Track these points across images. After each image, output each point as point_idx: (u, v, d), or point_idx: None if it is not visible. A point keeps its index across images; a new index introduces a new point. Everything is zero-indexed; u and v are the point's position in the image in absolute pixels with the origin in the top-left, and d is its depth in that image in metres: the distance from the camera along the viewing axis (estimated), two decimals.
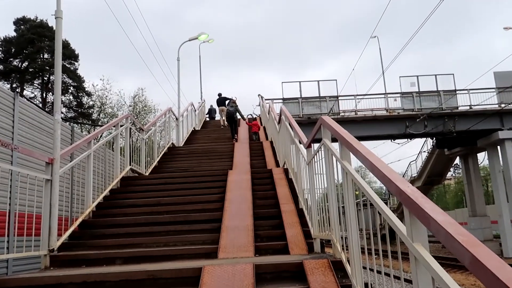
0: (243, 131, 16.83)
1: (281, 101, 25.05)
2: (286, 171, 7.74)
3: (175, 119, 14.16)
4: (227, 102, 20.75)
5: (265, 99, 20.60)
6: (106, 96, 33.10)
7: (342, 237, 3.62)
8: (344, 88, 44.06)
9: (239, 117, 15.89)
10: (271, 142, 12.21)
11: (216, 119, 23.18)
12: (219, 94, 20.70)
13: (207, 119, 23.20)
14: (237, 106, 15.48)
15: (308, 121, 23.72)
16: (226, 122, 18.23)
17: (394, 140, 26.28)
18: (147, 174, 9.31)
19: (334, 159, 3.62)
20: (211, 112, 23.73)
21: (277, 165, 9.47)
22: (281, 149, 9.04)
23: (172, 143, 13.13)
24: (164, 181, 7.94)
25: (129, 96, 34.04)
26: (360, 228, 3.19)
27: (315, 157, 4.49)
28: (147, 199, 6.92)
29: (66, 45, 31.70)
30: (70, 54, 32.55)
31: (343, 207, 3.41)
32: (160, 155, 11.11)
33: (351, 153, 3.18)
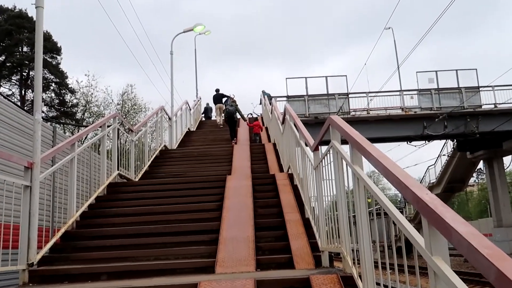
0: (243, 132, 16.87)
1: (285, 99, 25.12)
2: (290, 177, 7.74)
3: (167, 119, 14.19)
4: (224, 99, 20.87)
5: (270, 96, 20.62)
6: (92, 93, 33.19)
7: (353, 250, 3.61)
8: (354, 85, 44.08)
9: (238, 117, 15.96)
10: (274, 145, 12.25)
11: (213, 118, 23.24)
12: (217, 90, 20.81)
13: (203, 119, 23.28)
14: (237, 105, 15.62)
15: (315, 121, 23.83)
16: (224, 121, 18.26)
17: (410, 142, 26.30)
18: (137, 179, 9.33)
19: (344, 163, 3.63)
20: (207, 111, 23.82)
21: (281, 170, 9.48)
22: (285, 152, 9.06)
23: (165, 146, 13.16)
24: (156, 188, 7.94)
25: (117, 94, 34.02)
26: (373, 239, 3.18)
27: (323, 161, 4.50)
28: (136, 207, 6.92)
29: (47, 37, 31.83)
30: (52, 47, 32.68)
31: (354, 216, 3.40)
32: (152, 159, 11.13)
33: (363, 157, 3.18)
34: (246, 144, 13.52)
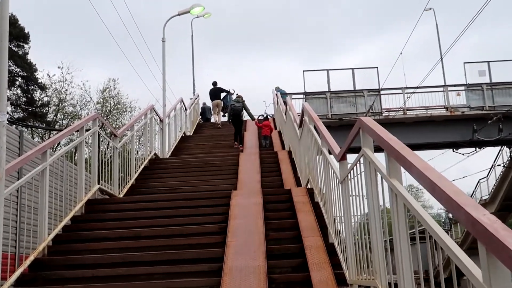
0: (251, 135, 16.93)
1: (302, 96, 25.10)
2: (310, 192, 7.73)
3: (158, 121, 14.24)
4: (223, 95, 20.92)
5: (284, 94, 20.50)
6: (66, 90, 33.35)
7: (390, 284, 3.58)
8: (387, 79, 43.81)
9: (246, 116, 16.01)
10: (289, 153, 12.26)
11: (212, 120, 23.30)
12: (214, 84, 20.90)
13: (201, 121, 23.49)
14: (244, 101, 15.68)
15: (340, 123, 23.79)
16: (225, 120, 18.51)
17: (457, 149, 26.11)
18: (121, 195, 9.35)
19: (379, 175, 3.63)
20: (205, 112, 23.98)
21: (298, 184, 9.47)
22: (303, 162, 9.06)
23: (155, 154, 13.22)
24: (144, 206, 7.95)
25: (96, 90, 33.70)
26: (415, 269, 3.15)
27: (351, 173, 4.48)
28: (121, 230, 6.93)
29: (13, 22, 32.16)
30: (18, 34, 33.00)
31: (390, 240, 3.37)
32: (139, 170, 11.16)
33: (402, 168, 3.18)
34: (255, 152, 13.54)
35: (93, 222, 7.38)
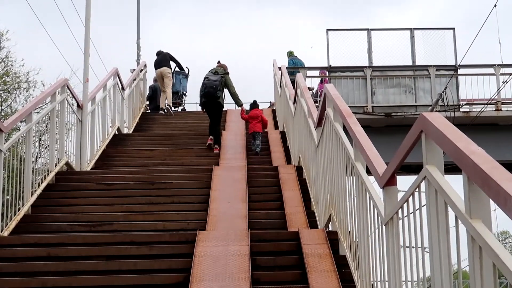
0: (234, 135, 11.69)
1: (323, 73, 16.50)
2: (332, 239, 5.36)
3: (75, 108, 9.40)
4: (171, 67, 14.93)
5: (300, 68, 14.64)
6: None
7: None
8: (468, 53, 18.57)
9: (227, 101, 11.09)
10: (299, 168, 8.60)
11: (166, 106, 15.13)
12: (159, 53, 14.97)
13: (148, 109, 16.13)
14: (226, 73, 10.80)
15: (386, 122, 16.06)
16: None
17: None
18: (5, 234, 6.06)
19: (452, 213, 2.61)
20: (157, 95, 15.57)
21: (312, 225, 6.51)
22: (321, 184, 6.36)
23: (68, 163, 8.81)
24: (42, 268, 5.19)
25: None
26: None
27: (404, 207, 3.22)
28: None
29: None
30: None
31: None
32: (39, 191, 7.43)
33: (492, 202, 2.21)
34: (239, 164, 9.36)
35: None
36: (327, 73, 16.45)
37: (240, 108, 11.25)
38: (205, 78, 10.50)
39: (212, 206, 7.06)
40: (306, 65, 16.33)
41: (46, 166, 8.30)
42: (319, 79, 16.44)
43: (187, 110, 17.00)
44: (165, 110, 14.21)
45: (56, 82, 9.07)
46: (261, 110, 12.25)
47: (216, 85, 10.27)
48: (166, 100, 14.41)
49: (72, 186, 8.08)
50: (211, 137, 10.31)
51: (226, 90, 10.79)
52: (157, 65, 14.57)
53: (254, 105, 11.60)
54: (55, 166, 8.28)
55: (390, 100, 16.03)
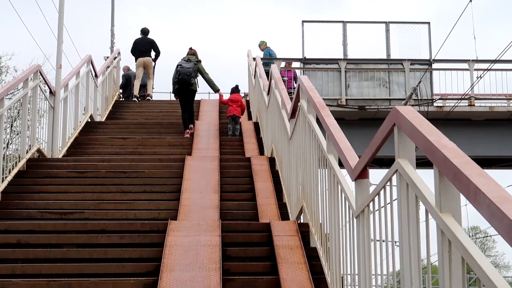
0: (207, 124, 11.66)
1: (298, 65, 16.99)
2: (304, 231, 5.41)
3: (48, 94, 9.30)
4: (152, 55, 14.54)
5: (274, 59, 14.66)
6: None
7: None
8: (443, 47, 18.22)
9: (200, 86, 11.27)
10: (272, 160, 8.56)
11: (141, 94, 15.11)
12: (144, 31, 14.48)
13: (121, 97, 16.19)
14: (199, 61, 11.05)
15: (360, 115, 16.14)
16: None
17: None
18: None
19: (422, 207, 2.61)
20: (130, 83, 15.62)
21: (283, 217, 6.50)
22: (294, 176, 6.41)
23: (39, 150, 8.74)
24: (13, 246, 5.24)
25: None
26: None
27: (375, 201, 3.19)
28: None
29: None
30: None
31: None
32: (10, 177, 7.34)
33: (462, 196, 2.23)
34: (212, 150, 9.59)
35: None
36: (293, 64, 16.69)
37: (216, 92, 11.56)
38: (178, 66, 10.72)
39: (184, 196, 7.01)
40: (279, 57, 16.27)
41: (17, 152, 8.15)
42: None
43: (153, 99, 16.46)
44: (138, 98, 14.17)
45: (28, 68, 8.96)
46: (241, 96, 12.44)
47: (190, 72, 10.56)
48: (136, 90, 14.35)
49: (43, 173, 7.98)
50: (187, 131, 10.54)
51: (198, 78, 11.09)
52: (141, 52, 14.31)
53: (236, 89, 12.04)
54: (27, 152, 8.15)
55: (364, 93, 16.06)
